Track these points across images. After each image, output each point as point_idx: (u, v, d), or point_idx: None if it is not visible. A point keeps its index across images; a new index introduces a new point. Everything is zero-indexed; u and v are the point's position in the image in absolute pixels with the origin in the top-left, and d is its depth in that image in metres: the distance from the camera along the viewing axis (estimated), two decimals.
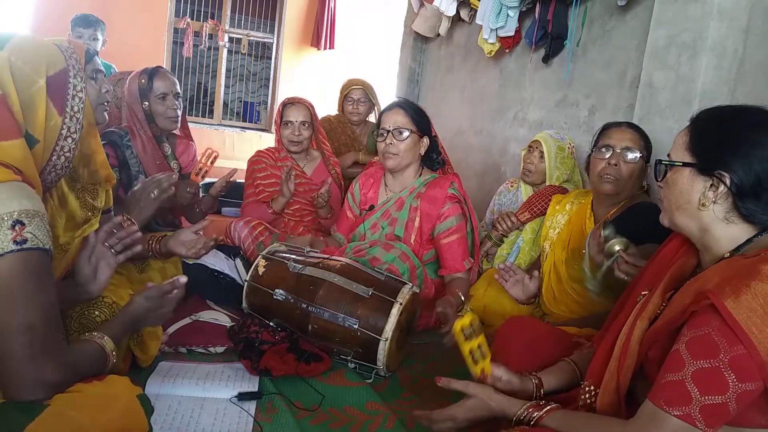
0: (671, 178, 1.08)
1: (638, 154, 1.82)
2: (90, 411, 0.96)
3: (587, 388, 1.14)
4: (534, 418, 1.08)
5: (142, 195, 1.80)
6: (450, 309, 1.84)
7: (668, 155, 1.10)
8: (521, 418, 1.10)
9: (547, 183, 2.41)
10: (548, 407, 1.09)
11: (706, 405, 0.88)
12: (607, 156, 1.83)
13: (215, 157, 2.39)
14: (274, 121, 2.93)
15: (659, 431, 0.91)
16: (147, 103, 2.26)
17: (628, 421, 0.98)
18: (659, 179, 1.12)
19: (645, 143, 1.85)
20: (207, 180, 2.59)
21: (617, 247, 1.44)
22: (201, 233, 1.84)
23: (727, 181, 0.99)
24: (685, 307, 0.96)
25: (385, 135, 2.15)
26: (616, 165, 1.82)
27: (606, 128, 1.90)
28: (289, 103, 2.74)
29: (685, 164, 1.05)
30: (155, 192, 1.80)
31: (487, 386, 1.18)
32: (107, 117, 1.72)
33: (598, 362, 1.14)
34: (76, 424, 0.93)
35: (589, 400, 1.13)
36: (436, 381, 1.23)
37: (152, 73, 2.28)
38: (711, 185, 1.01)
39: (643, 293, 1.14)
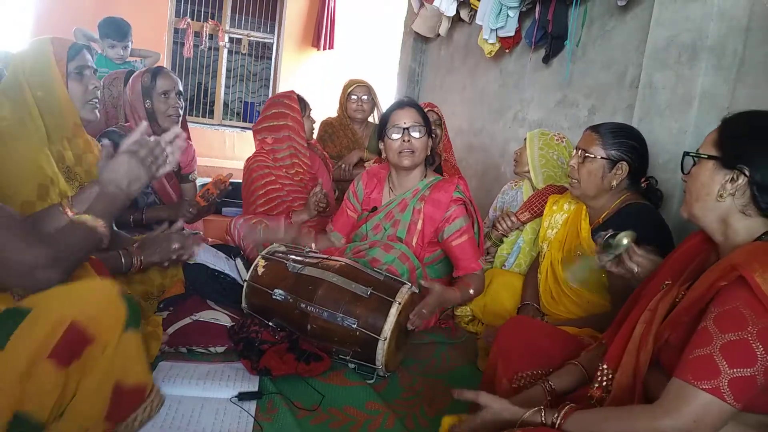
0: (694, 171, 1.13)
1: (593, 155, 1.79)
2: (67, 300, 1.08)
3: (605, 371, 1.15)
4: (555, 420, 1.05)
5: (162, 244, 1.75)
6: (431, 295, 1.84)
7: (697, 151, 1.15)
8: (542, 421, 1.08)
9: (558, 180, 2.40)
10: (565, 409, 1.06)
11: (734, 378, 0.89)
12: (573, 159, 1.87)
13: (225, 188, 2.35)
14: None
15: (688, 407, 0.90)
16: (149, 102, 2.27)
17: (653, 404, 0.96)
18: (685, 172, 1.17)
19: (610, 143, 1.79)
20: (201, 180, 2.58)
21: (626, 240, 1.43)
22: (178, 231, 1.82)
23: (747, 173, 1.03)
24: (712, 283, 0.97)
25: (401, 132, 2.12)
26: (575, 167, 1.83)
27: None
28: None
29: (709, 157, 1.10)
30: (175, 247, 1.75)
31: (500, 398, 1.16)
32: (98, 114, 1.68)
33: (616, 348, 1.16)
34: (55, 316, 1.04)
35: (604, 382, 1.14)
36: (451, 393, 1.21)
37: (155, 72, 2.30)
38: (731, 178, 1.05)
39: (666, 282, 1.17)
